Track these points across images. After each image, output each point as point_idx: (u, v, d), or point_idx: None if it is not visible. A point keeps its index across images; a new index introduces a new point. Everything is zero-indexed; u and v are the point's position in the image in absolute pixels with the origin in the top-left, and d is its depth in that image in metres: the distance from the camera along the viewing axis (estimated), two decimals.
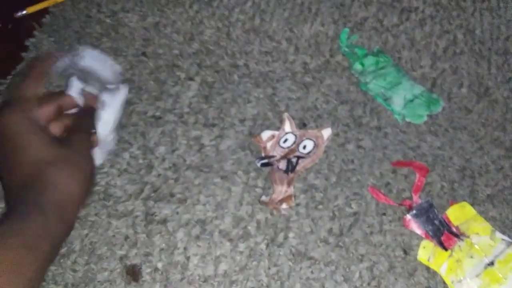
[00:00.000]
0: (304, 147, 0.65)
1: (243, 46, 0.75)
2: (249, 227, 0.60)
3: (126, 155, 0.65)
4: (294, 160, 0.64)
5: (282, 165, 0.64)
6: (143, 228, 0.60)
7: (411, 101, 0.70)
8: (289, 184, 0.62)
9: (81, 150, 0.54)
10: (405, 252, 0.60)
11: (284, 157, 0.65)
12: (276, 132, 0.67)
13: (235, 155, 0.65)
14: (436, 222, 0.60)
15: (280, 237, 0.60)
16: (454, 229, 0.60)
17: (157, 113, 0.68)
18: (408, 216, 0.61)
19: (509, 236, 0.61)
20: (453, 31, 0.79)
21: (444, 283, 0.58)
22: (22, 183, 0.50)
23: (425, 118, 0.70)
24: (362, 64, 0.73)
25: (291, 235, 0.60)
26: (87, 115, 0.59)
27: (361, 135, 0.68)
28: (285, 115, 0.68)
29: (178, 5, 0.78)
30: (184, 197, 0.62)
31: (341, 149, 0.67)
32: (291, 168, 0.63)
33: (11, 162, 0.52)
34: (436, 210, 0.61)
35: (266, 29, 0.77)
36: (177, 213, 0.61)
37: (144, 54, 0.73)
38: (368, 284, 0.58)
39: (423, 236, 0.60)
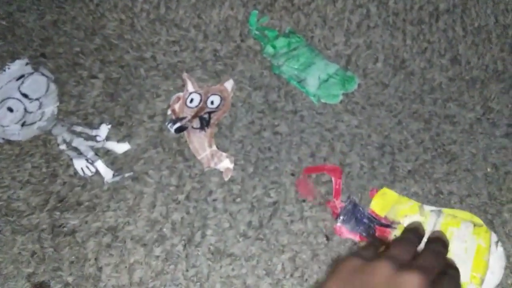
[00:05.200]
0: (212, 103, 0.66)
1: (149, 37, 0.71)
2: (164, 229, 0.58)
3: (28, 165, 0.61)
4: (206, 116, 0.65)
5: (196, 124, 0.64)
6: (50, 242, 0.56)
7: (326, 81, 0.68)
8: (209, 143, 0.62)
9: None
10: (327, 238, 0.58)
11: (195, 116, 0.65)
12: (181, 94, 0.67)
13: (146, 153, 0.62)
14: (365, 220, 0.59)
15: (198, 236, 0.57)
16: (383, 221, 0.59)
17: (60, 116, 0.64)
18: (338, 224, 0.59)
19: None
20: (366, 5, 0.76)
21: None
22: None
23: (341, 97, 0.67)
24: (274, 47, 0.70)
25: (209, 232, 0.58)
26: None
27: (277, 121, 0.65)
28: (185, 75, 0.68)
29: None
30: (92, 205, 0.59)
31: (257, 137, 0.64)
32: (205, 123, 0.64)
33: None
34: (361, 208, 0.59)
35: (173, 18, 0.73)
36: (86, 222, 0.57)
37: (43, 55, 0.69)
38: (291, 275, 0.56)
39: (358, 239, 0.58)
